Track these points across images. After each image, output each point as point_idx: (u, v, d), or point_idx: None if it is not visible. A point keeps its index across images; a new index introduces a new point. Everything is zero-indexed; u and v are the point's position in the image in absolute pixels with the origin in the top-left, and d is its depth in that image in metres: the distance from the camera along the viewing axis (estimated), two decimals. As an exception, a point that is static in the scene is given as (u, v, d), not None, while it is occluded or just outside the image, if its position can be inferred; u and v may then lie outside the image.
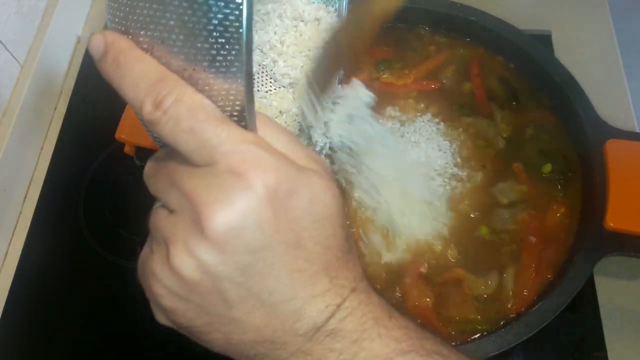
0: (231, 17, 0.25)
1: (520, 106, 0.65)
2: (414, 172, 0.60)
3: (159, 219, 0.29)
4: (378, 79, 0.67)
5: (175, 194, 0.28)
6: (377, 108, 0.65)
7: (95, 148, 0.70)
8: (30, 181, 0.70)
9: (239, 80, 0.26)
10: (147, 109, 0.27)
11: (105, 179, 0.69)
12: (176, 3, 0.25)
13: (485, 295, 0.55)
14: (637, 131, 0.65)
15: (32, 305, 0.62)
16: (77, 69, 0.78)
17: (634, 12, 0.86)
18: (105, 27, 0.30)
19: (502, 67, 0.68)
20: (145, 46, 0.28)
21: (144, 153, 0.60)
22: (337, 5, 0.46)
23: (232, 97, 0.27)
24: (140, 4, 0.27)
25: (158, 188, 0.30)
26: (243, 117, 0.28)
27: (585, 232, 0.55)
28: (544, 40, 0.72)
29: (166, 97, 0.27)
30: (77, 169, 0.70)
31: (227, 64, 0.26)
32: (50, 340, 0.60)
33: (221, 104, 0.28)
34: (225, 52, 0.26)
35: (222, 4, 0.25)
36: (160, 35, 0.27)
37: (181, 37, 0.26)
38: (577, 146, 0.61)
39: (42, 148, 0.72)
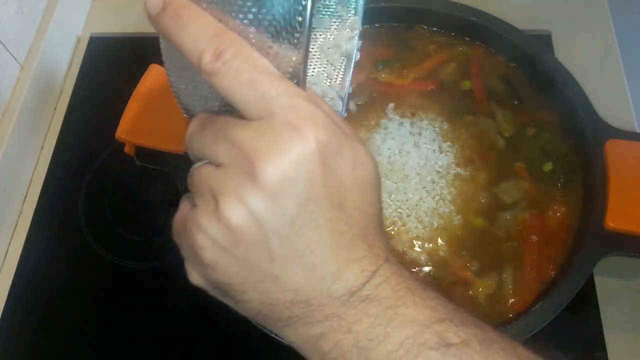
0: None
1: (521, 105, 0.65)
2: (415, 174, 0.60)
3: (205, 174, 0.29)
4: (377, 78, 0.67)
5: (225, 147, 0.29)
6: (377, 108, 0.66)
7: (95, 148, 0.70)
8: (30, 181, 0.70)
9: (297, 43, 0.28)
10: (207, 58, 0.28)
11: (105, 179, 0.69)
12: None
13: (485, 295, 0.55)
14: (637, 131, 0.65)
15: (32, 305, 0.62)
16: (77, 69, 0.78)
17: (634, 12, 0.86)
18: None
19: (503, 67, 0.68)
20: (205, 6, 0.29)
21: (144, 153, 0.61)
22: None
23: (287, 58, 0.29)
24: None
25: (205, 143, 0.30)
26: (297, 77, 0.29)
27: (585, 232, 0.55)
28: (544, 40, 0.72)
29: (227, 49, 0.28)
30: (77, 169, 0.70)
31: (289, 27, 0.28)
32: (50, 340, 0.60)
33: (276, 63, 0.29)
34: (288, 16, 0.27)
35: None
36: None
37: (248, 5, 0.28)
38: (577, 146, 0.61)
39: (42, 148, 0.72)
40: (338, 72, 0.45)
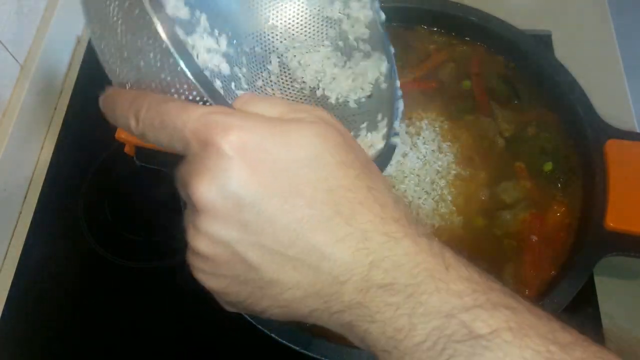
0: (152, 41, 0.30)
1: (521, 105, 0.65)
2: (414, 175, 0.60)
3: (184, 218, 0.32)
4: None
5: (180, 190, 0.31)
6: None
7: (95, 148, 0.70)
8: (30, 181, 0.70)
9: (184, 73, 0.30)
10: (132, 125, 0.31)
11: (105, 179, 0.69)
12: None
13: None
14: (637, 131, 0.65)
15: (32, 305, 0.62)
16: (77, 69, 0.78)
17: (634, 12, 0.86)
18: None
19: (503, 67, 0.68)
20: (127, 85, 0.34)
21: (144, 153, 0.61)
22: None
23: (189, 87, 0.30)
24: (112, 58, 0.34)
25: (179, 193, 0.32)
26: (202, 96, 0.31)
27: (585, 232, 0.55)
28: (544, 40, 0.72)
29: (140, 109, 0.30)
30: (77, 169, 0.70)
31: (174, 71, 0.31)
32: (50, 340, 0.60)
33: (186, 94, 0.31)
34: (169, 65, 0.30)
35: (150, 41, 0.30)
36: (135, 73, 0.33)
37: (144, 71, 0.32)
38: (577, 146, 0.61)
39: (42, 148, 0.72)
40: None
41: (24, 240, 0.65)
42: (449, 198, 0.59)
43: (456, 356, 0.27)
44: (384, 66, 0.47)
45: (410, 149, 0.62)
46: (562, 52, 0.71)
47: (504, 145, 0.63)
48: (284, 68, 0.49)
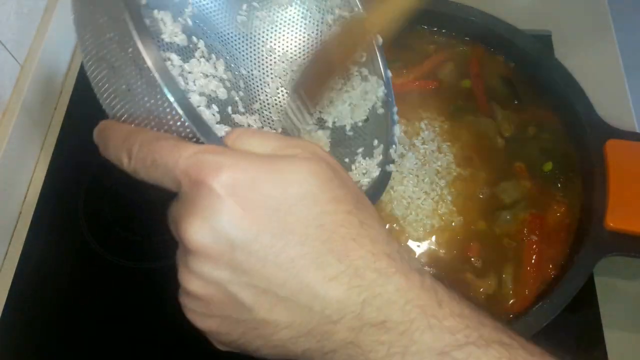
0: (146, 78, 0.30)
1: (521, 105, 0.65)
2: (413, 176, 0.60)
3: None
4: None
5: (171, 230, 0.31)
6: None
7: (95, 148, 0.69)
8: (30, 181, 0.70)
9: (177, 112, 0.30)
10: (125, 162, 0.31)
11: (105, 179, 0.69)
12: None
13: (485, 295, 0.55)
14: (637, 131, 0.65)
15: (32, 305, 0.62)
16: (77, 69, 0.78)
17: (634, 12, 0.86)
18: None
19: (503, 67, 0.68)
20: (123, 118, 0.34)
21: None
22: None
23: (181, 126, 0.30)
24: (105, 92, 0.34)
25: (171, 231, 0.32)
26: (195, 135, 0.31)
27: (585, 232, 0.55)
28: (544, 40, 0.72)
29: (133, 146, 0.31)
30: (77, 169, 0.70)
31: (165, 108, 0.31)
32: (50, 341, 0.60)
33: (183, 134, 0.31)
34: (160, 101, 0.31)
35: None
36: (129, 107, 0.33)
37: (137, 107, 0.32)
38: (577, 146, 0.61)
39: (42, 148, 0.72)
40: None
41: (24, 240, 0.65)
42: (449, 198, 0.59)
43: None
44: (380, 90, 0.47)
45: (409, 149, 0.62)
46: (562, 52, 0.71)
47: (504, 145, 0.63)
48: (281, 91, 0.49)
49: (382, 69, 0.47)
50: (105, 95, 0.34)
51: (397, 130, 0.46)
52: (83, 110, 0.74)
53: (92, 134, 0.35)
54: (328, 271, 0.28)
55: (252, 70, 0.48)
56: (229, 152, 0.29)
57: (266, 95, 0.48)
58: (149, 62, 0.29)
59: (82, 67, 0.77)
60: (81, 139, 0.71)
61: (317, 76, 0.45)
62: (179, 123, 0.30)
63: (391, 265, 0.29)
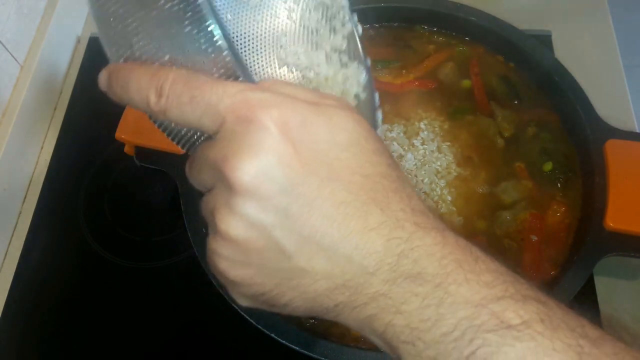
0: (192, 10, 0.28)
1: (521, 105, 0.65)
2: (412, 176, 0.60)
3: (205, 202, 0.30)
4: (376, 78, 0.67)
5: (205, 171, 0.29)
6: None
7: (95, 148, 0.70)
8: (30, 181, 0.70)
9: (221, 50, 0.28)
10: (152, 100, 0.29)
11: (105, 179, 0.69)
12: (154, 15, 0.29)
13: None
14: (637, 131, 0.65)
15: (32, 305, 0.62)
16: (77, 69, 0.78)
17: (634, 12, 0.86)
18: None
19: (503, 66, 0.68)
20: (140, 59, 0.31)
21: (144, 153, 0.61)
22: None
23: (220, 63, 0.29)
24: (121, 28, 0.31)
25: (195, 178, 0.30)
26: (236, 74, 0.29)
27: (585, 232, 0.55)
28: (544, 40, 0.72)
29: (164, 84, 0.28)
30: (77, 169, 0.70)
31: (208, 47, 0.29)
32: (50, 340, 0.60)
33: (213, 71, 0.29)
34: (203, 36, 0.29)
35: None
36: (149, 45, 0.30)
37: (165, 42, 0.30)
38: (577, 146, 0.61)
39: (42, 148, 0.72)
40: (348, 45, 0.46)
41: (24, 240, 0.65)
42: (449, 198, 0.59)
43: (485, 346, 0.26)
44: (362, 77, 0.46)
45: (408, 149, 0.62)
46: (562, 52, 0.71)
47: (504, 145, 0.63)
48: (268, 77, 0.48)
49: (362, 54, 0.46)
50: (120, 33, 0.31)
51: (380, 114, 0.46)
52: (83, 110, 0.74)
53: (99, 78, 0.32)
54: (370, 220, 0.28)
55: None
56: (276, 92, 0.28)
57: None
58: None
59: (82, 67, 0.78)
60: (81, 138, 0.72)
61: None
62: (215, 60, 0.29)
63: (428, 222, 0.29)
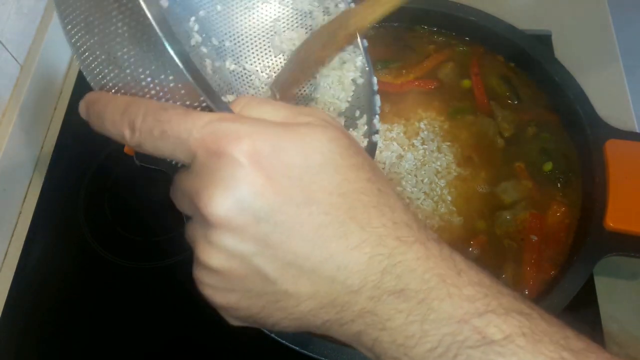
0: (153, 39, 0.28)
1: (521, 105, 0.65)
2: (412, 176, 0.60)
3: (187, 230, 0.30)
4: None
5: (183, 201, 0.30)
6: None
7: (95, 148, 0.70)
8: (30, 181, 0.70)
9: (189, 82, 0.28)
10: (127, 135, 0.29)
11: (105, 179, 0.69)
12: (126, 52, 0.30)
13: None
14: (637, 131, 0.65)
15: (32, 305, 0.62)
16: (77, 69, 0.78)
17: (634, 12, 0.86)
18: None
19: (503, 66, 0.68)
20: (113, 90, 0.32)
21: (144, 153, 0.60)
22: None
23: (191, 94, 0.29)
24: (93, 59, 0.32)
25: (177, 204, 0.31)
26: (207, 104, 0.29)
27: (585, 232, 0.55)
28: (544, 40, 0.72)
29: (136, 118, 0.29)
30: (77, 169, 0.70)
31: (174, 75, 0.29)
32: (50, 340, 0.60)
33: (185, 101, 0.29)
34: (169, 69, 0.29)
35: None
36: (123, 77, 0.31)
37: (133, 72, 0.30)
38: (577, 146, 0.61)
39: (42, 148, 0.72)
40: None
41: (24, 240, 0.65)
42: (449, 198, 0.59)
43: None
44: (359, 60, 0.46)
45: (408, 149, 0.62)
46: (562, 52, 0.71)
47: (503, 145, 0.63)
48: (264, 67, 0.47)
49: (358, 37, 0.46)
50: (93, 64, 0.32)
51: (378, 99, 0.45)
52: (83, 110, 0.74)
53: (79, 108, 0.33)
54: (351, 240, 0.28)
55: (224, 41, 0.47)
56: (245, 120, 0.28)
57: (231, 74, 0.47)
58: (149, 15, 0.27)
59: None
60: (81, 139, 0.72)
61: (292, 77, 0.44)
62: (184, 90, 0.29)
63: (410, 234, 0.29)
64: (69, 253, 0.65)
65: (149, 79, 0.30)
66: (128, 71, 0.30)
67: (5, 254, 0.65)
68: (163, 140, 0.28)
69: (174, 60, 0.28)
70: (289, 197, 0.27)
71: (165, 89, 0.29)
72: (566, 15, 0.76)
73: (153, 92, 0.30)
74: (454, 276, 0.28)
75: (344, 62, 0.46)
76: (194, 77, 0.28)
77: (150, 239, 0.64)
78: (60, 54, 0.77)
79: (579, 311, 0.56)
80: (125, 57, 0.30)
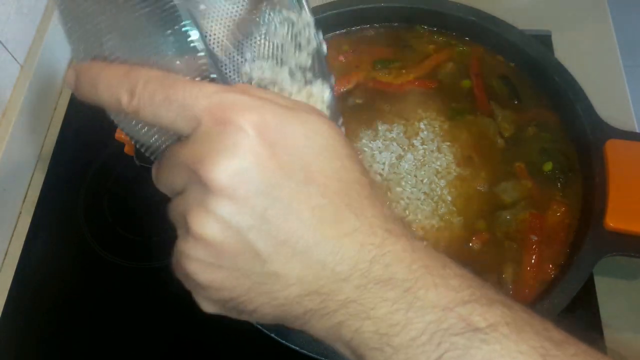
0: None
1: (521, 105, 0.65)
2: (412, 176, 0.60)
3: (174, 204, 0.30)
4: (375, 78, 0.67)
5: (177, 173, 0.29)
6: (374, 108, 0.65)
7: (95, 148, 0.70)
8: (30, 181, 0.70)
9: (198, 51, 0.28)
10: (124, 100, 0.28)
11: (105, 179, 0.69)
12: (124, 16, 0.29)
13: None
14: (637, 131, 0.65)
15: (32, 305, 0.62)
16: (77, 69, 0.78)
17: (634, 12, 0.86)
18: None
19: (503, 66, 0.68)
20: (109, 59, 0.30)
21: (144, 153, 0.60)
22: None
23: (195, 65, 0.28)
24: (91, 26, 0.30)
25: (163, 180, 0.30)
26: (211, 77, 0.29)
27: (585, 232, 0.55)
28: (544, 40, 0.72)
29: (137, 84, 0.28)
30: (77, 169, 0.70)
31: (182, 43, 0.28)
32: (50, 340, 0.60)
33: (187, 72, 0.29)
34: (178, 37, 0.28)
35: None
36: (120, 44, 0.29)
37: (138, 41, 0.29)
38: (577, 146, 0.61)
39: (42, 148, 0.72)
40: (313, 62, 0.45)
41: (24, 240, 0.65)
42: (449, 198, 0.59)
43: (452, 350, 0.27)
44: (326, 95, 0.45)
45: (407, 149, 0.62)
46: (562, 52, 0.71)
47: (504, 145, 0.62)
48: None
49: (326, 72, 0.45)
50: (92, 29, 0.30)
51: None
52: (83, 110, 0.74)
53: (66, 77, 0.31)
54: (344, 226, 0.28)
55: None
56: (252, 95, 0.28)
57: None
58: None
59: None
60: (81, 139, 0.72)
61: None
62: (193, 59, 0.28)
63: (399, 228, 0.29)
64: (69, 253, 0.65)
65: (152, 52, 0.29)
66: (130, 42, 0.29)
67: (5, 254, 0.65)
68: (165, 107, 0.28)
69: (189, 34, 0.27)
70: (290, 173, 0.27)
71: (170, 63, 0.29)
72: (566, 15, 0.76)
73: (154, 63, 0.29)
74: (439, 268, 0.29)
75: (311, 96, 0.45)
76: (209, 52, 0.28)
77: (150, 239, 0.64)
78: (60, 54, 0.77)
79: (579, 311, 0.56)
80: (130, 26, 0.29)
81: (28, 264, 0.64)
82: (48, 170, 0.70)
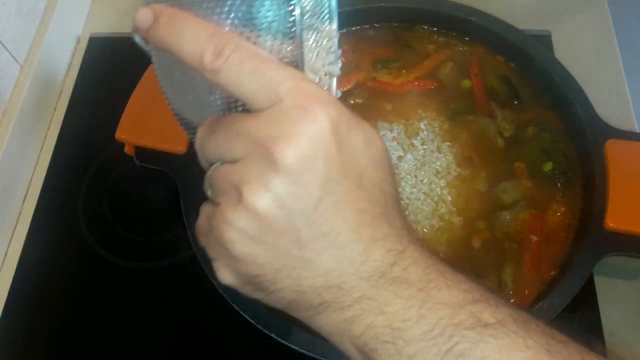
0: None
1: (521, 105, 0.65)
2: (411, 176, 0.60)
3: (224, 171, 0.30)
4: (375, 78, 0.67)
5: (240, 141, 0.29)
6: (374, 108, 0.65)
7: (95, 148, 0.70)
8: (30, 181, 0.70)
9: (291, 34, 0.29)
10: (208, 58, 0.28)
11: (105, 179, 0.69)
12: None
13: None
14: (637, 131, 0.65)
15: (32, 305, 0.62)
16: (77, 69, 0.78)
17: (634, 12, 0.86)
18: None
19: (503, 67, 0.68)
20: (198, 13, 0.29)
21: (144, 153, 0.61)
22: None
23: (284, 48, 0.29)
24: None
25: (218, 144, 0.30)
26: (296, 65, 0.30)
27: (585, 232, 0.55)
28: (544, 40, 0.72)
29: (226, 46, 0.28)
30: (77, 169, 0.70)
31: (281, 24, 0.29)
32: (50, 340, 0.60)
33: (274, 54, 0.29)
34: (278, 16, 0.29)
35: None
36: (217, 4, 0.29)
37: (237, 8, 0.29)
38: (577, 146, 0.61)
39: (42, 148, 0.72)
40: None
41: (24, 240, 0.65)
42: (449, 198, 0.59)
43: (462, 342, 0.28)
44: None
45: (407, 149, 0.62)
46: (562, 52, 0.71)
47: (504, 145, 0.62)
48: None
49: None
50: None
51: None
52: (83, 110, 0.74)
53: (139, 14, 0.30)
54: (378, 232, 0.30)
55: None
56: (327, 93, 0.30)
57: None
58: None
59: (82, 67, 0.77)
60: (81, 138, 0.72)
61: None
62: (284, 45, 0.29)
63: (417, 240, 0.32)
64: (69, 253, 0.65)
65: (247, 23, 0.29)
66: (227, 5, 0.29)
67: (5, 254, 0.65)
68: (252, 76, 0.28)
69: (290, 20, 0.28)
70: (348, 174, 0.29)
71: (259, 41, 0.29)
72: (566, 15, 0.76)
73: (244, 34, 0.29)
74: (451, 272, 0.31)
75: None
76: (301, 44, 0.29)
77: (150, 239, 0.64)
78: (60, 54, 0.78)
79: (579, 311, 0.56)
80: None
81: (28, 264, 0.64)
82: (48, 170, 0.70)
